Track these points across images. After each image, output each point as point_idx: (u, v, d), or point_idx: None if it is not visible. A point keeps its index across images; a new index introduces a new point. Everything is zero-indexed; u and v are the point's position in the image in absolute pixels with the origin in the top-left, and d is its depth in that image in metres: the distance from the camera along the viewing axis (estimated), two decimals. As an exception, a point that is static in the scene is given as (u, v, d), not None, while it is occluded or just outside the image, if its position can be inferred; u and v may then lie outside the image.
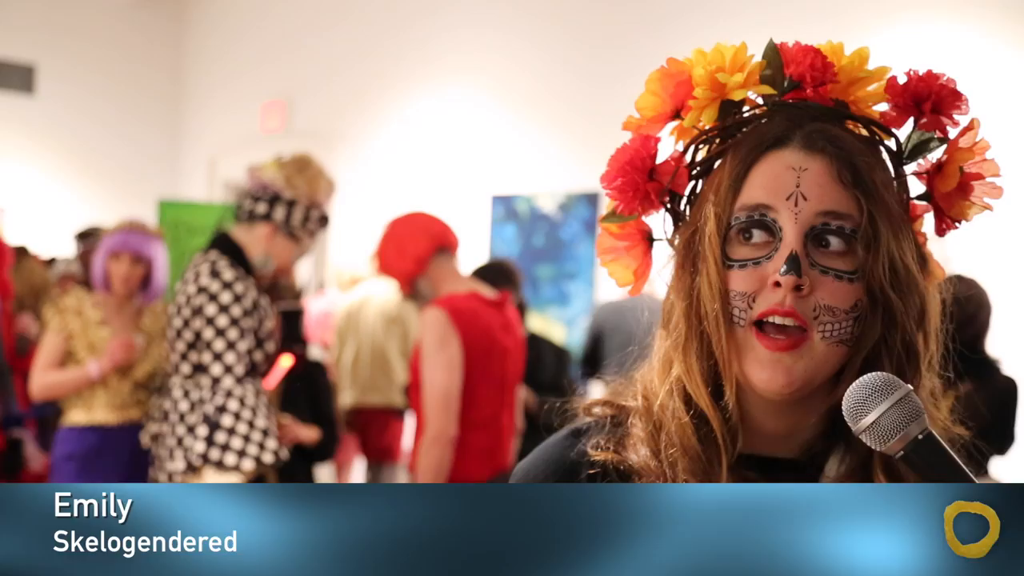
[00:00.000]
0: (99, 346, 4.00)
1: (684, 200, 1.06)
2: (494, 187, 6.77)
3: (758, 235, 0.99)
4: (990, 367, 3.77)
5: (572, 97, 6.37)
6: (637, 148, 1.05)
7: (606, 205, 1.09)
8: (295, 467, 4.00)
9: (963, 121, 1.04)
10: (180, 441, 3.09)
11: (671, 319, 1.04)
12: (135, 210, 7.89)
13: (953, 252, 4.65)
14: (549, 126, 6.47)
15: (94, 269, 4.07)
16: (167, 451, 3.14)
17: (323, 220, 3.33)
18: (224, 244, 3.22)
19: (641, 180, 1.04)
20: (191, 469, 3.03)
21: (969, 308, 3.73)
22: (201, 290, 3.10)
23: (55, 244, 8.27)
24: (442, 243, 3.38)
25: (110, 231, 4.12)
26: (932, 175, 1.04)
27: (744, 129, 1.04)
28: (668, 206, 1.07)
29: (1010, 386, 3.72)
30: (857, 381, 0.91)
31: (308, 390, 4.06)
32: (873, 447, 0.91)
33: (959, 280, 3.87)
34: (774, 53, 1.05)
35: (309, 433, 3.94)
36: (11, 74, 9.19)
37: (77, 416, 4.02)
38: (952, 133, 1.04)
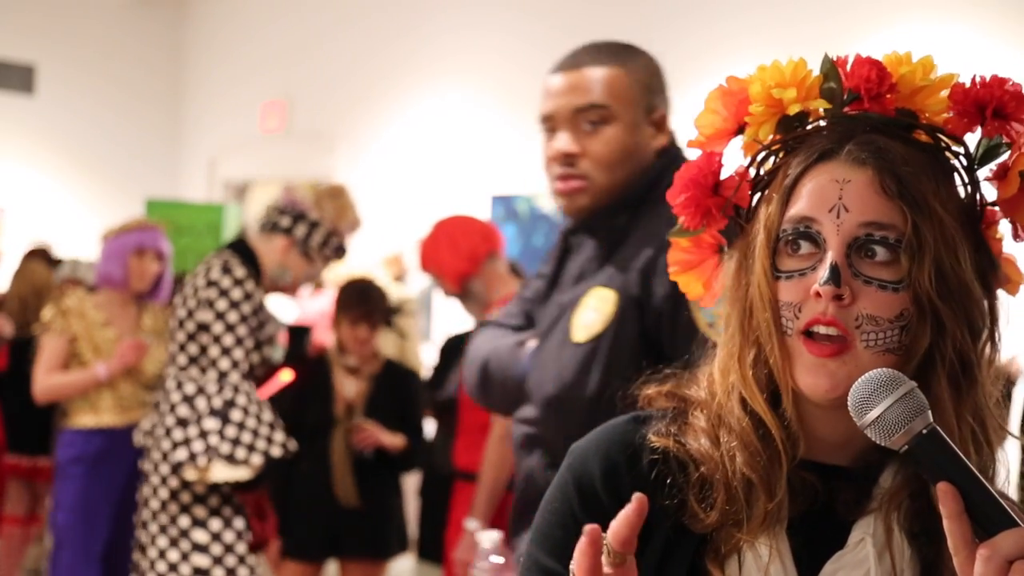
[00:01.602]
0: (104, 347, 4.00)
1: (748, 213, 1.09)
2: (494, 187, 6.78)
3: (804, 247, 1.01)
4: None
5: (572, 97, 6.38)
6: (700, 165, 1.08)
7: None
8: (380, 475, 3.96)
9: None
10: (168, 432, 3.10)
11: (728, 328, 1.06)
12: (135, 210, 7.90)
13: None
14: (549, 126, 6.47)
15: (108, 265, 4.05)
16: (157, 441, 3.15)
17: (340, 249, 3.40)
18: (239, 247, 3.27)
19: (704, 196, 1.07)
20: (194, 461, 3.04)
21: None
22: (211, 283, 3.13)
23: (54, 244, 8.27)
24: (494, 246, 3.51)
25: (127, 229, 4.11)
26: (999, 181, 1.05)
27: (804, 142, 1.06)
28: (735, 219, 1.09)
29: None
30: (862, 377, 0.92)
31: (396, 397, 4.00)
32: (877, 442, 0.91)
33: None
34: (831, 67, 1.07)
35: (394, 439, 3.89)
36: (11, 74, 9.19)
37: (84, 419, 4.02)
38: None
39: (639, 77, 1.92)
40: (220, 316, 3.09)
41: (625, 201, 1.87)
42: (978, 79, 1.04)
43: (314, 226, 3.30)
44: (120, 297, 4.07)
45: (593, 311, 1.80)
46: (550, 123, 1.93)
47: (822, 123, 1.06)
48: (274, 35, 8.88)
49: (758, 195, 1.08)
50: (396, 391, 4.02)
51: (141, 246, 4.03)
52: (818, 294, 0.98)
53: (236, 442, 3.02)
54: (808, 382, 0.99)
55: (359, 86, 8.04)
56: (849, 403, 0.92)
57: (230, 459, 3.02)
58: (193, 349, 3.14)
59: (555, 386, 1.84)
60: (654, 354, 1.71)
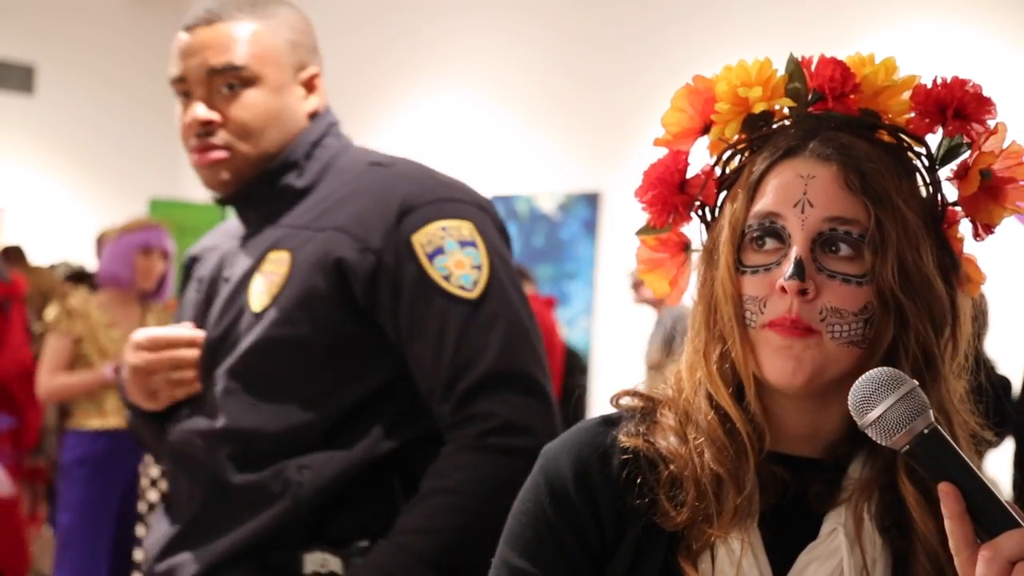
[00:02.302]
0: (110, 349, 3.99)
1: (715, 211, 1.09)
2: (494, 187, 6.78)
3: (769, 242, 1.01)
4: (986, 367, 3.78)
5: (572, 98, 6.38)
6: (667, 163, 1.08)
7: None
8: None
9: (991, 126, 1.06)
10: None
11: (694, 325, 1.07)
12: (136, 210, 7.89)
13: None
14: (549, 126, 6.47)
15: (113, 264, 4.04)
16: None
17: None
18: None
19: (671, 194, 1.08)
20: None
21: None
22: None
23: (54, 244, 8.27)
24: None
25: (131, 228, 4.10)
26: (960, 179, 1.07)
27: (768, 141, 1.07)
28: (701, 217, 1.10)
29: (1005, 386, 3.73)
30: (864, 375, 0.92)
31: None
32: (878, 442, 0.91)
33: None
34: (796, 67, 1.08)
35: None
36: (11, 74, 9.19)
37: (90, 420, 4.02)
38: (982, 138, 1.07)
39: (284, 33, 1.73)
40: None
41: (279, 168, 1.70)
42: (939, 80, 1.06)
43: None
44: (123, 297, 4.07)
45: (269, 275, 1.65)
46: (183, 86, 1.71)
47: (787, 122, 1.07)
48: (274, 35, 8.88)
49: (723, 193, 1.08)
50: None
51: (147, 245, 4.02)
52: (783, 289, 0.98)
53: None
54: (775, 366, 0.99)
55: (359, 87, 8.04)
56: (849, 402, 0.92)
57: None
58: None
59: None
60: (364, 317, 1.59)
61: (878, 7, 5.13)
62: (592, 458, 1.05)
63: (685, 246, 1.11)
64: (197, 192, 9.69)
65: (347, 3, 8.30)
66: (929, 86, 1.06)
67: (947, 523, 0.87)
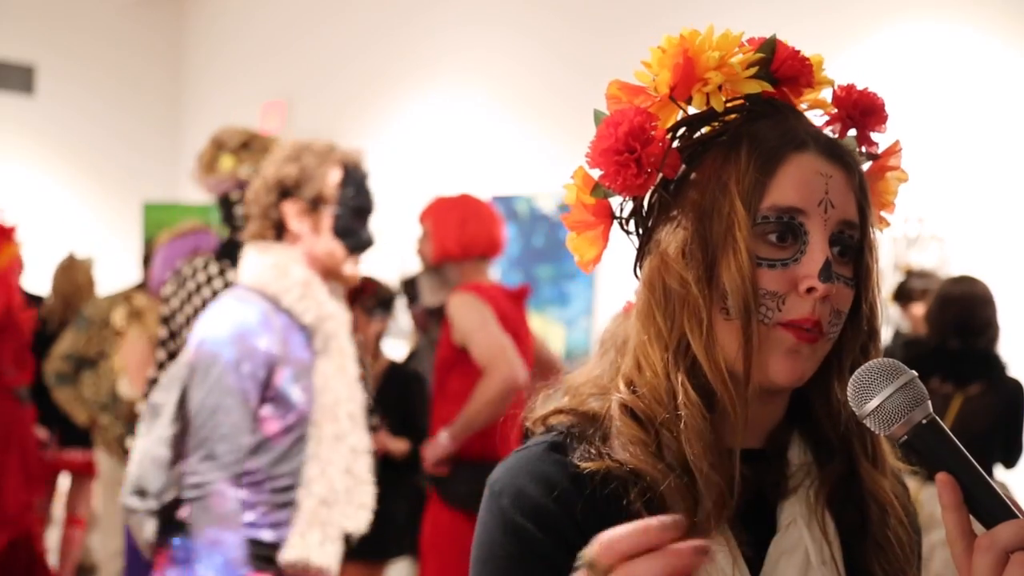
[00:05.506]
0: None
1: (670, 184, 1.04)
2: (494, 187, 6.77)
3: (784, 236, 0.99)
4: (999, 369, 3.76)
5: (572, 97, 6.38)
6: (633, 123, 1.01)
7: (577, 177, 1.06)
8: (381, 479, 3.93)
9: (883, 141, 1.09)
10: None
11: (674, 306, 1.01)
12: (135, 211, 7.87)
13: (954, 252, 4.64)
14: (549, 126, 6.47)
15: (170, 269, 4.01)
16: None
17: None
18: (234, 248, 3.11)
19: (634, 156, 1.00)
20: None
21: (988, 311, 3.71)
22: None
23: (54, 244, 8.26)
24: (490, 252, 3.48)
25: (181, 232, 4.06)
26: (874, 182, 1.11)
27: (727, 119, 1.04)
28: (657, 188, 1.05)
29: (1017, 389, 3.71)
30: (863, 366, 0.92)
31: (400, 401, 3.94)
32: (877, 432, 0.91)
33: (971, 281, 3.83)
34: (772, 49, 1.07)
35: (398, 445, 3.84)
36: (11, 74, 9.19)
37: None
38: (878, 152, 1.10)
39: None
40: None
41: None
42: (847, 85, 1.08)
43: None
44: None
45: None
46: None
47: (742, 103, 1.05)
48: (274, 35, 8.87)
49: (683, 167, 1.04)
50: (401, 394, 3.98)
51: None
52: (811, 289, 0.97)
53: None
54: (784, 367, 0.98)
55: (359, 86, 8.04)
56: (848, 392, 0.92)
57: None
58: None
59: None
60: None
61: (879, 6, 5.13)
62: (565, 484, 0.98)
63: (611, 212, 1.06)
64: (195, 192, 9.67)
65: (346, 3, 8.30)
66: (838, 91, 1.08)
67: (944, 514, 0.87)
